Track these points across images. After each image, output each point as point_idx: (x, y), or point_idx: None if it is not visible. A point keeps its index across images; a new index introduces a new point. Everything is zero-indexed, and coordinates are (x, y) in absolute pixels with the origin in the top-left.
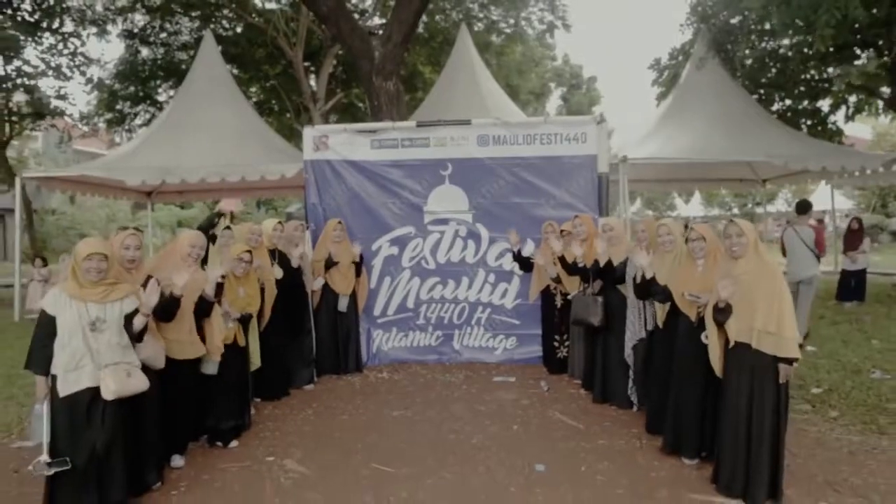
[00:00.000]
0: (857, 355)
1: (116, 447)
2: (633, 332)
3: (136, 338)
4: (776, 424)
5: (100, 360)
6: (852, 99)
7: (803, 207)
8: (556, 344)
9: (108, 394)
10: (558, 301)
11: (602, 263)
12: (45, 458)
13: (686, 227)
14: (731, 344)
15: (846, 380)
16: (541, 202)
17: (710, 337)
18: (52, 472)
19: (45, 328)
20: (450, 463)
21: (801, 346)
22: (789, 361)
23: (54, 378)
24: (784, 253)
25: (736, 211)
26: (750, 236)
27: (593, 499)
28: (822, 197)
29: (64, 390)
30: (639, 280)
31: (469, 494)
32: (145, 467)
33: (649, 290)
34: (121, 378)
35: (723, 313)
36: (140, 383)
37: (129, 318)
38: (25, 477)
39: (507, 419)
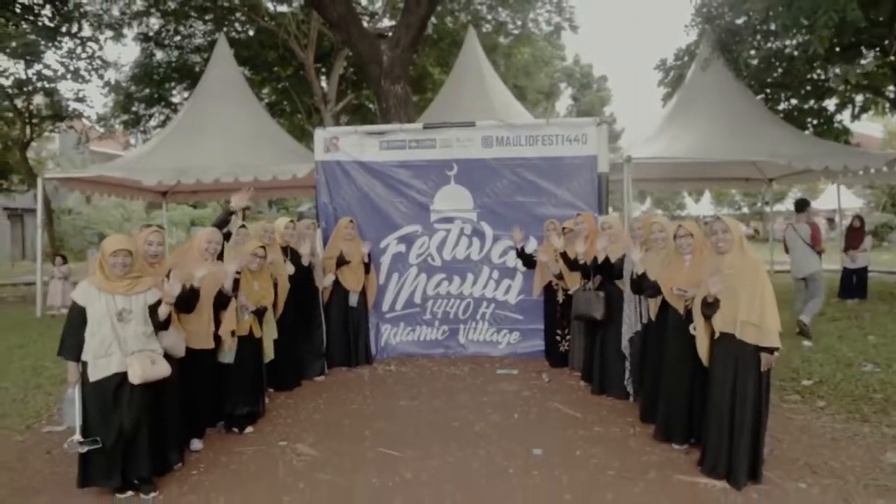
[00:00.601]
0: (851, 350)
1: (142, 428)
2: (630, 325)
3: (162, 325)
4: (757, 411)
5: (126, 347)
6: (859, 98)
7: (801, 206)
8: (557, 338)
9: (134, 378)
10: (560, 297)
11: (600, 260)
12: (77, 437)
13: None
14: (717, 335)
15: (837, 372)
16: (543, 201)
17: (698, 329)
18: (84, 449)
19: (76, 318)
20: (452, 448)
21: (799, 332)
22: (770, 351)
23: (85, 364)
24: (787, 251)
25: (745, 210)
26: (735, 233)
27: (586, 479)
28: (832, 196)
29: (94, 375)
30: (634, 276)
31: (470, 475)
32: (167, 449)
33: (641, 285)
34: (146, 364)
35: (711, 307)
36: (163, 369)
37: (152, 309)
38: (57, 458)
39: (508, 409)
